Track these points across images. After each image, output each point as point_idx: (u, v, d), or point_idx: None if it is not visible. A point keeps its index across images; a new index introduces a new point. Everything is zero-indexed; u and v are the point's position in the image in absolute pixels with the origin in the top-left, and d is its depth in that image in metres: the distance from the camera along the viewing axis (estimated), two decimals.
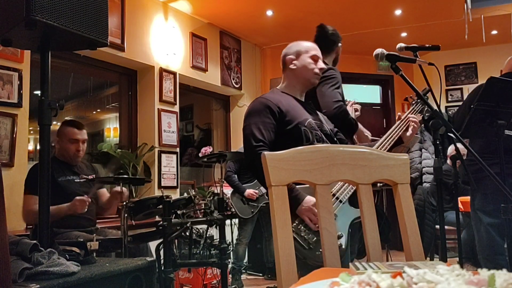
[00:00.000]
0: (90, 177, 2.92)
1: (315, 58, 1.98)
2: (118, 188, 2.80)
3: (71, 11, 1.83)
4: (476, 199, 2.71)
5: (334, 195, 1.68)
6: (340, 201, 1.68)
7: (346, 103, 3.20)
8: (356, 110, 3.07)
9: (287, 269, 0.96)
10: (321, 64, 2.00)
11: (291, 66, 1.98)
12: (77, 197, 2.60)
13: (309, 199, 1.65)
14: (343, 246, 1.63)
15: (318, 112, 2.06)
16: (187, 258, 3.10)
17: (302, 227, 1.65)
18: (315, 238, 1.63)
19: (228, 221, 4.29)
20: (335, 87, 2.32)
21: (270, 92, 2.03)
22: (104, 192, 3.08)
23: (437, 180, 1.84)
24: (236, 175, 4.24)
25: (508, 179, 2.07)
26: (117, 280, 1.76)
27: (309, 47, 2.01)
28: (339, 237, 1.63)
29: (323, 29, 2.70)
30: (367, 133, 2.39)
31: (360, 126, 2.39)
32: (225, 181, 4.13)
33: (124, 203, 2.55)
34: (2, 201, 1.35)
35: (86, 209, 2.62)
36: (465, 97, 6.23)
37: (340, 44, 2.69)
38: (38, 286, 1.42)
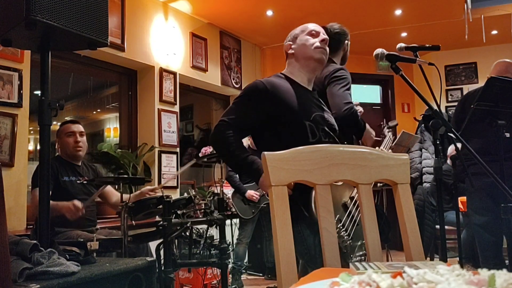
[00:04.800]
0: (83, 179, 2.92)
1: (313, 33, 1.80)
2: (150, 188, 2.91)
3: (71, 11, 1.83)
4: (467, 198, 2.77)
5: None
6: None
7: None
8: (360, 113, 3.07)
9: (287, 269, 0.95)
10: (323, 36, 1.82)
11: (290, 51, 1.82)
12: (76, 201, 2.59)
13: None
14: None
15: (323, 105, 1.90)
16: (187, 258, 3.10)
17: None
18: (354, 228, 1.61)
19: (228, 221, 4.28)
20: (345, 88, 2.20)
21: (274, 75, 1.82)
22: (111, 190, 3.07)
23: (437, 180, 1.84)
24: (237, 175, 4.23)
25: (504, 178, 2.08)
26: (117, 280, 1.76)
27: (306, 26, 1.84)
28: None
29: (325, 31, 2.63)
30: (372, 133, 2.33)
31: (367, 126, 2.32)
32: (225, 181, 4.13)
33: (125, 202, 2.55)
34: (2, 201, 1.35)
35: (75, 218, 2.60)
36: None
37: (347, 41, 2.56)
38: (38, 286, 1.41)
